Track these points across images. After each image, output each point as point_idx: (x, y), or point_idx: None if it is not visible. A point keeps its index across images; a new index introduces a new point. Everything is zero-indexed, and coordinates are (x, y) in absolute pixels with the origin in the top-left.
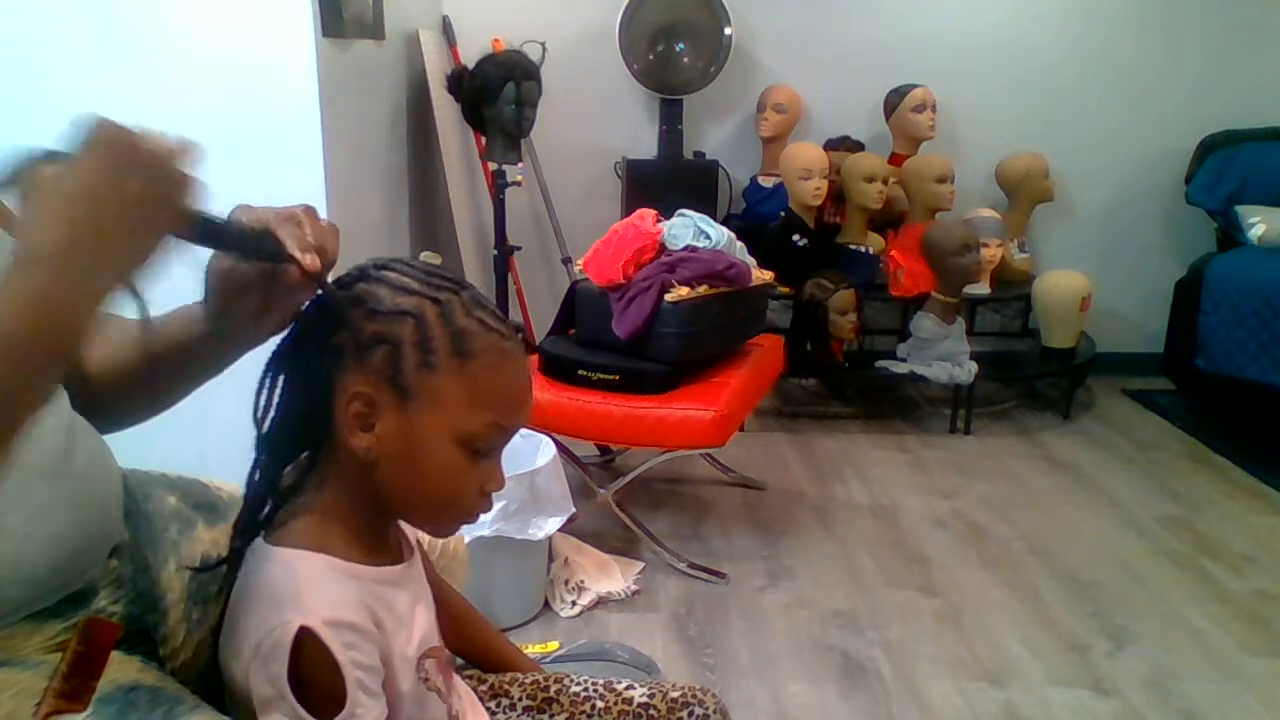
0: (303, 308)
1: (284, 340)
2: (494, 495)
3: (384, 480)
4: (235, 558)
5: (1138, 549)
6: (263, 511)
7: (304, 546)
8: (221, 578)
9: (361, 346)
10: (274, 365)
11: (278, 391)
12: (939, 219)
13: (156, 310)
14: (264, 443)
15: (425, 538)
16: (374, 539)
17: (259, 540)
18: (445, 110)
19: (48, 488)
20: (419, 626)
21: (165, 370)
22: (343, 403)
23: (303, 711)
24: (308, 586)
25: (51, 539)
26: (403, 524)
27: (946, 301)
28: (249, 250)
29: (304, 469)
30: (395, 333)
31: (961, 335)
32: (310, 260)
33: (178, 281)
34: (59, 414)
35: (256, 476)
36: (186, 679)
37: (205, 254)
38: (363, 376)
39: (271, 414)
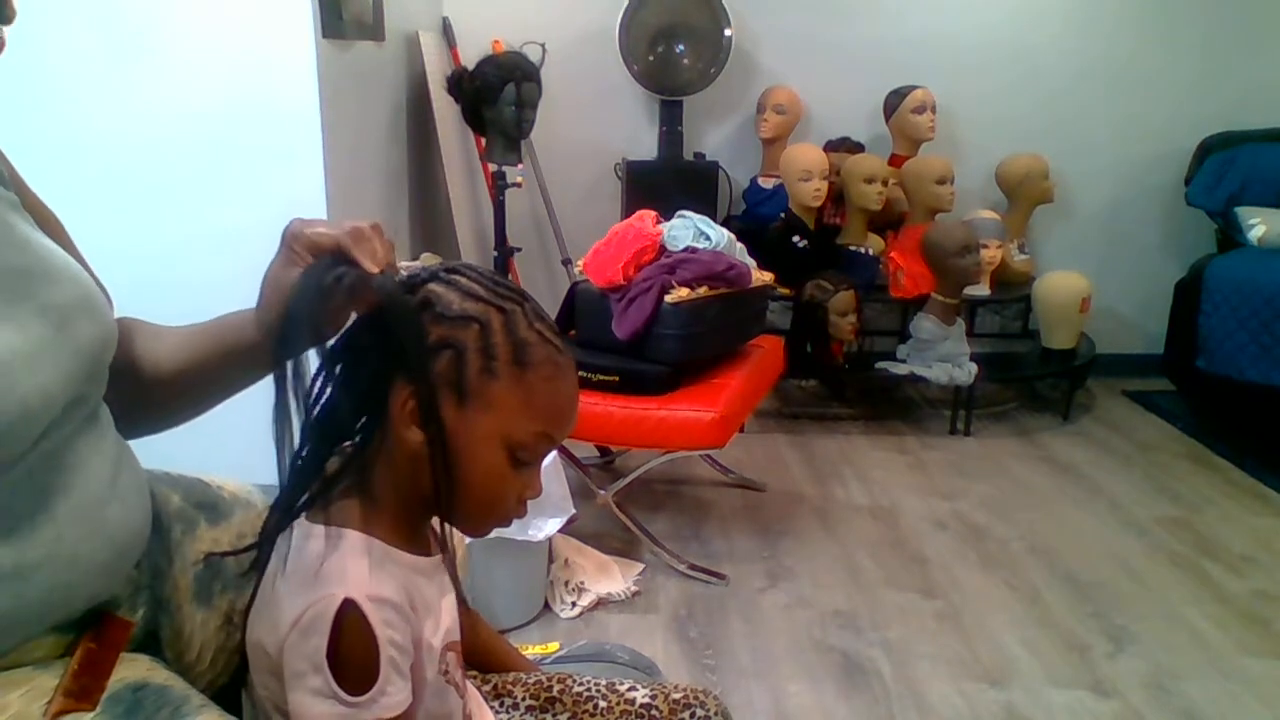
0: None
1: (345, 333)
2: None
3: (429, 476)
4: (270, 538)
5: (1138, 549)
6: (304, 495)
7: (349, 526)
8: (224, 578)
9: (427, 349)
10: (332, 356)
11: (332, 381)
12: (939, 220)
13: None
14: (313, 429)
15: None
16: (411, 529)
17: (300, 519)
18: (445, 111)
19: (93, 517)
20: (444, 618)
21: (210, 373)
22: (401, 399)
23: (336, 686)
24: (353, 562)
25: (85, 565)
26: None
27: (946, 303)
28: (326, 272)
29: (349, 455)
30: (460, 338)
31: (961, 336)
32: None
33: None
34: (110, 440)
35: (301, 461)
36: (192, 679)
37: (261, 261)
38: (424, 375)
39: (323, 402)
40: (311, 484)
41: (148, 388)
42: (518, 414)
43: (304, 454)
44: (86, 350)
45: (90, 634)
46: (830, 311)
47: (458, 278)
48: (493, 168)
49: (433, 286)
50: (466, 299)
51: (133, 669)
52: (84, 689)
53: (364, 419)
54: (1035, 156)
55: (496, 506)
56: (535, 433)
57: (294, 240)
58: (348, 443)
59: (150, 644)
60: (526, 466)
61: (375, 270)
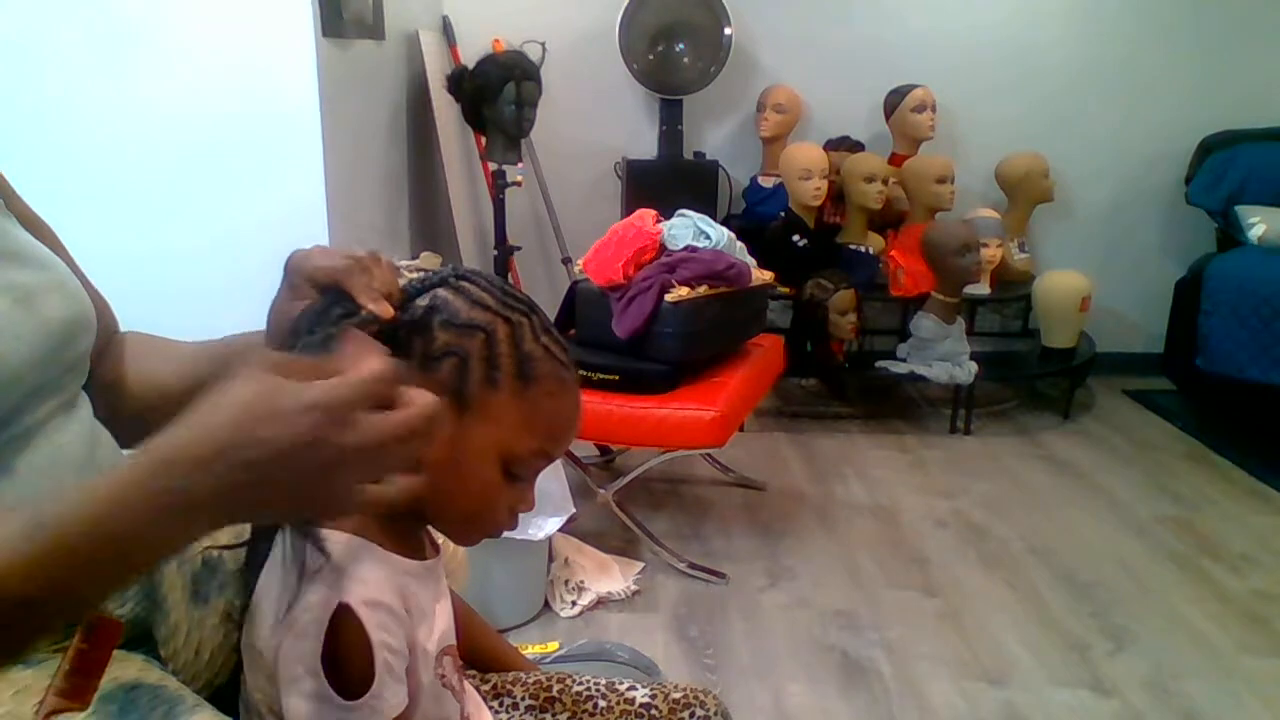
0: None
1: None
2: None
3: (424, 483)
4: (266, 536)
5: (1138, 549)
6: None
7: (342, 528)
8: (222, 576)
9: (431, 355)
10: None
11: None
12: (939, 219)
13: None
14: None
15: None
16: (405, 532)
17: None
18: (445, 110)
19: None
20: (439, 622)
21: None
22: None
23: (330, 690)
24: (347, 565)
25: None
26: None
27: (946, 302)
28: (325, 312)
29: None
30: (465, 346)
31: (961, 335)
32: (383, 308)
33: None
34: (82, 421)
35: None
36: (187, 679)
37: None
38: (426, 382)
39: None
40: None
41: (153, 403)
42: (517, 428)
43: None
44: (56, 330)
45: (82, 633)
46: (830, 310)
47: (467, 285)
48: (493, 167)
49: (441, 292)
50: (474, 307)
51: (126, 669)
52: (76, 688)
53: None
54: (1035, 155)
55: (486, 518)
56: (532, 449)
57: (294, 274)
58: None
59: (144, 643)
60: (520, 480)
61: (373, 306)
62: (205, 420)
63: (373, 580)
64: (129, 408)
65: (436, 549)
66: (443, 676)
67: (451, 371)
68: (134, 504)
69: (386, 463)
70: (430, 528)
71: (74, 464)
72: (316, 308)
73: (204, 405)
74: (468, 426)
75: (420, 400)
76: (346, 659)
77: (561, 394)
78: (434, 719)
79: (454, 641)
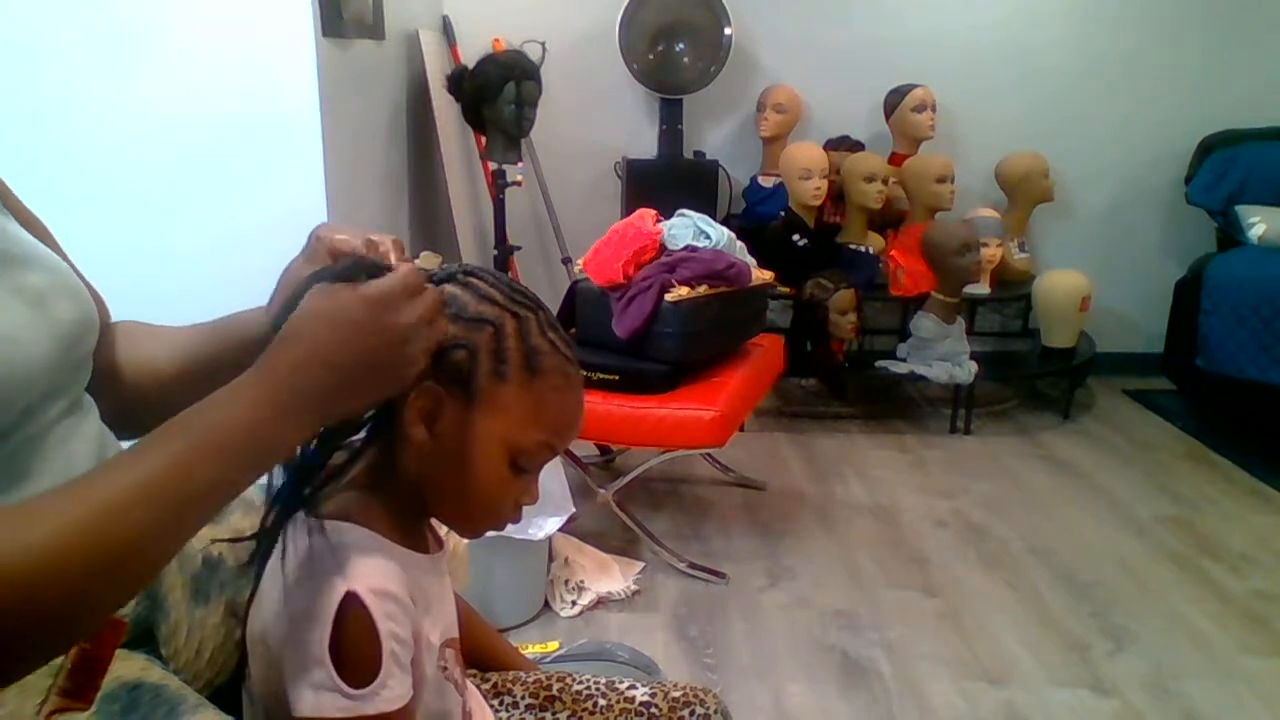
0: None
1: None
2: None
3: (429, 474)
4: (272, 531)
5: (1138, 549)
6: (308, 488)
7: (349, 519)
8: (222, 575)
9: (440, 347)
10: None
11: None
12: (939, 219)
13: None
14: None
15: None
16: (410, 525)
17: (302, 512)
18: (445, 110)
19: None
20: (443, 615)
21: (218, 371)
22: (410, 395)
23: (338, 679)
24: (355, 555)
25: None
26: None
27: (946, 301)
28: (349, 273)
29: (355, 450)
30: (473, 339)
31: (961, 335)
32: None
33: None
34: (91, 422)
35: (306, 454)
36: (188, 678)
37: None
38: (435, 374)
39: None
40: (316, 477)
41: (146, 388)
42: (523, 420)
43: (310, 447)
44: (66, 331)
45: None
46: (830, 310)
47: (475, 281)
48: (493, 166)
49: (449, 288)
50: (482, 302)
51: (128, 668)
52: (79, 688)
53: (372, 413)
54: (1035, 155)
55: (492, 510)
56: (538, 441)
57: (316, 242)
58: (354, 437)
59: (145, 642)
60: (525, 473)
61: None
62: (295, 333)
63: (380, 570)
64: (123, 394)
65: (440, 543)
66: (445, 669)
67: (460, 363)
68: (261, 402)
69: (431, 334)
70: (433, 522)
71: (86, 466)
72: (325, 271)
73: (289, 326)
74: (475, 418)
75: (431, 290)
76: (354, 648)
77: (566, 388)
78: (436, 711)
79: (456, 634)
